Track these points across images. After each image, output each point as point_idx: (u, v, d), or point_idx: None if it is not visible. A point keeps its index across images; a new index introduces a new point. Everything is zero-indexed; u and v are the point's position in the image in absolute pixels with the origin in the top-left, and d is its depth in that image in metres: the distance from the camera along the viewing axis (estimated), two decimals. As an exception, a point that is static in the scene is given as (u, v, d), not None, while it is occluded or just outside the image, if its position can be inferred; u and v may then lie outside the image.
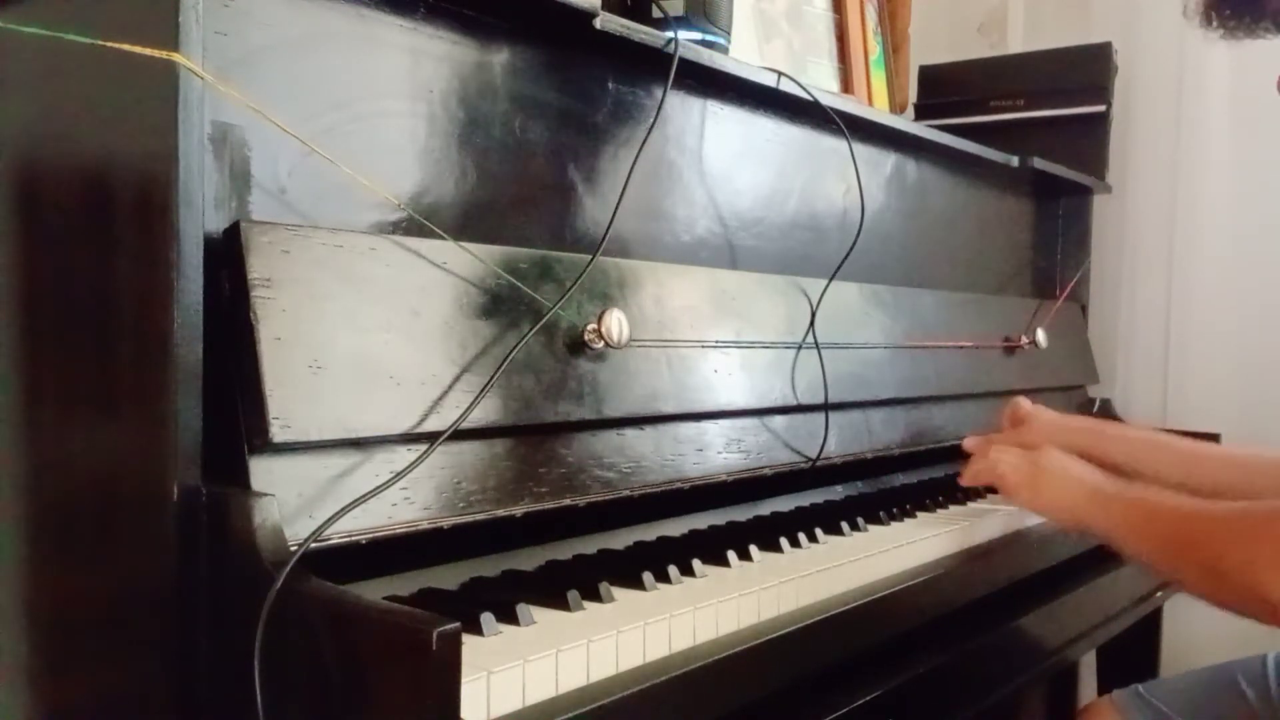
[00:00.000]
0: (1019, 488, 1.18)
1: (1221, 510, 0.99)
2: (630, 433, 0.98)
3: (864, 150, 1.41)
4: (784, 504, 1.24)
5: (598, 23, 0.97)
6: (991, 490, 1.37)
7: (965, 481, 1.26)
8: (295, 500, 0.73)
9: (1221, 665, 1.23)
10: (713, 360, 1.08)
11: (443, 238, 0.85)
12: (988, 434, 1.34)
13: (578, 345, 0.93)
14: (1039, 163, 1.70)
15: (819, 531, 1.08)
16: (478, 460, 0.85)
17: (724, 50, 1.20)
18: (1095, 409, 1.92)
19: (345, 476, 0.76)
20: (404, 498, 0.79)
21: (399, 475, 0.77)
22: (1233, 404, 1.92)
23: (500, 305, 0.88)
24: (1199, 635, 1.90)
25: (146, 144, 0.71)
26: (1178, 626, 1.90)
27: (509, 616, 0.76)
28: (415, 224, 0.88)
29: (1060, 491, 1.14)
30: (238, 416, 0.72)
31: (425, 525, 0.80)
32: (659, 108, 1.08)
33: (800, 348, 1.20)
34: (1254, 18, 1.08)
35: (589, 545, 1.00)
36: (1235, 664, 1.21)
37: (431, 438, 0.79)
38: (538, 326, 0.89)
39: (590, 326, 0.93)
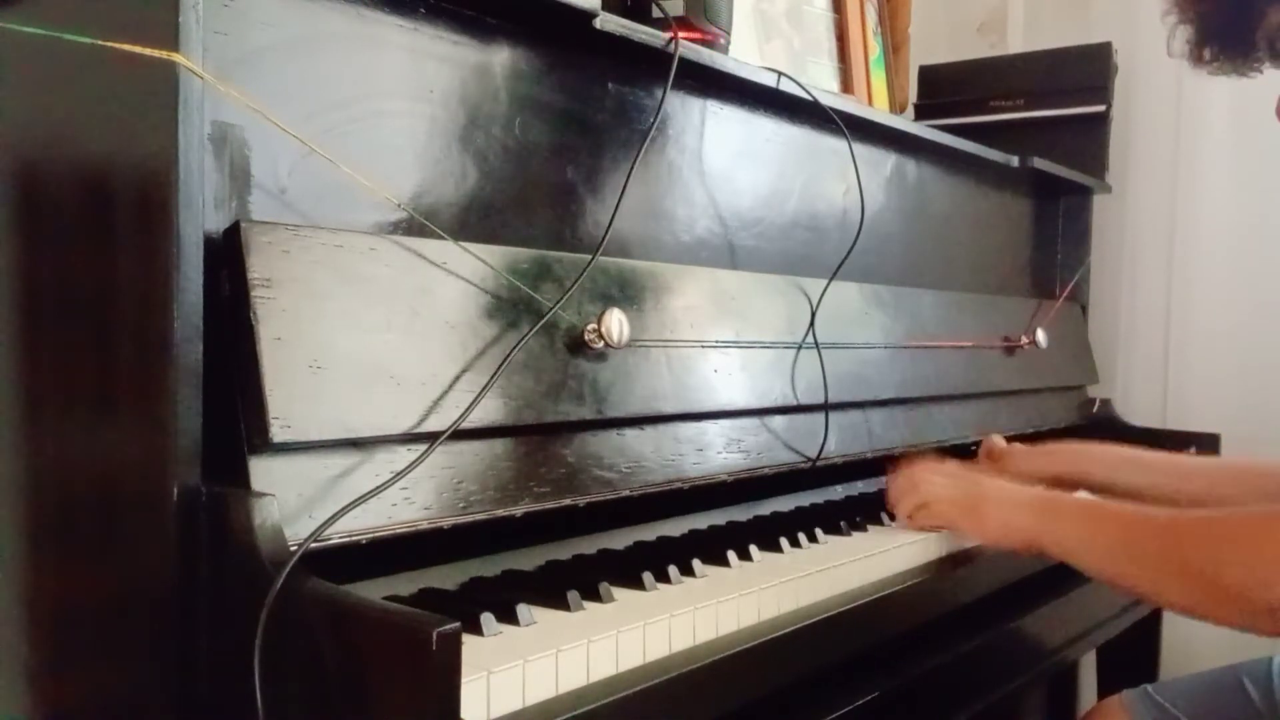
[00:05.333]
0: (959, 519, 1.10)
1: (1213, 516, 0.94)
2: (630, 433, 0.98)
3: (864, 150, 1.41)
4: (784, 504, 1.24)
5: (597, 23, 0.97)
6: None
7: (902, 523, 1.15)
8: (295, 500, 0.73)
9: (1227, 667, 1.23)
10: (713, 360, 1.08)
11: (443, 238, 0.85)
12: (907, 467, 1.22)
13: (578, 345, 0.93)
14: (1039, 163, 1.70)
15: (819, 531, 1.08)
16: (478, 460, 0.85)
17: (724, 50, 1.20)
18: (1095, 409, 1.92)
19: (345, 476, 0.76)
20: (404, 498, 0.79)
21: (399, 475, 0.77)
22: (1233, 404, 1.92)
23: (500, 305, 0.88)
24: (1199, 636, 1.90)
25: (146, 144, 0.71)
26: (1178, 627, 1.90)
27: (509, 616, 0.76)
28: (415, 224, 0.88)
29: (1003, 512, 1.06)
30: (238, 416, 0.72)
31: (425, 525, 0.80)
32: (659, 108, 1.08)
33: (800, 348, 1.20)
34: (1242, 53, 1.06)
35: (589, 545, 1.00)
36: (1241, 666, 1.21)
37: (431, 438, 0.79)
38: (538, 326, 0.89)
39: (590, 326, 0.93)
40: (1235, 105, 1.93)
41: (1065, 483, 1.25)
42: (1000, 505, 1.07)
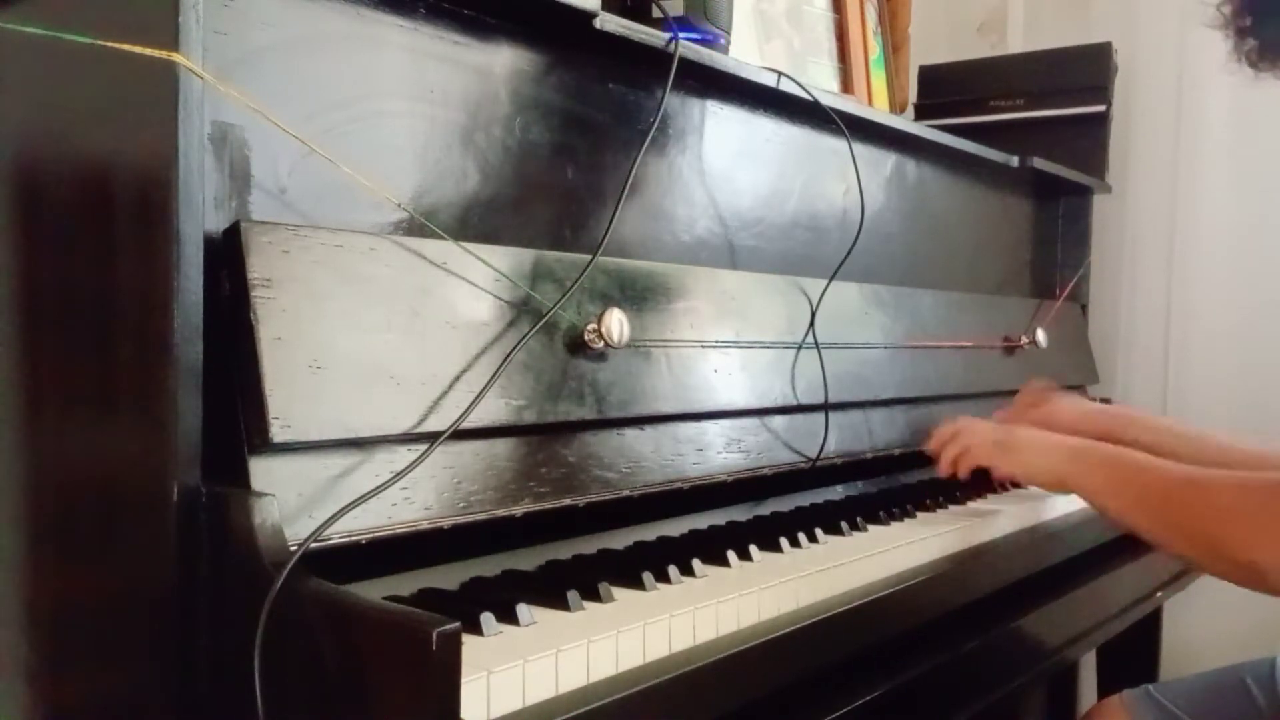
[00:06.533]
0: (992, 455, 1.19)
1: (1215, 480, 0.98)
2: (630, 433, 0.98)
3: (864, 150, 1.41)
4: (784, 504, 1.24)
5: (597, 23, 0.97)
6: (991, 490, 1.37)
7: (944, 469, 1.24)
8: (295, 500, 0.73)
9: (1230, 667, 1.23)
10: (713, 360, 1.08)
11: (443, 238, 0.85)
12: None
13: (578, 345, 0.93)
14: (1039, 163, 1.70)
15: (819, 531, 1.08)
16: (478, 460, 0.85)
17: (724, 50, 1.20)
18: (1095, 409, 1.92)
19: (345, 476, 0.76)
20: (404, 498, 0.79)
21: (399, 475, 0.77)
22: (1233, 404, 1.92)
23: (500, 305, 0.88)
24: (1199, 636, 1.90)
25: (146, 144, 0.71)
26: (1178, 627, 1.90)
27: (509, 616, 0.76)
28: (415, 224, 0.88)
29: (1038, 451, 1.14)
30: (238, 416, 0.72)
31: (425, 525, 0.80)
32: (659, 108, 1.08)
33: (800, 348, 1.20)
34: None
35: (589, 545, 1.00)
36: (1244, 665, 1.22)
37: (431, 438, 0.79)
38: (538, 326, 0.89)
39: (590, 326, 0.93)
40: (1235, 105, 1.93)
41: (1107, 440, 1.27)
42: (1034, 446, 1.15)
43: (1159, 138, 2.00)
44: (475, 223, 0.95)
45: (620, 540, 1.03)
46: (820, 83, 1.52)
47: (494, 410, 0.85)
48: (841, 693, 0.91)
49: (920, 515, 1.23)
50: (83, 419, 0.77)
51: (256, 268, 0.73)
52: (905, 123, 1.45)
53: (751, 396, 1.12)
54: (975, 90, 1.94)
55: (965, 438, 1.22)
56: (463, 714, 0.60)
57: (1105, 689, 1.83)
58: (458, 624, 0.59)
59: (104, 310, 0.75)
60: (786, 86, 1.21)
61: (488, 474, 0.85)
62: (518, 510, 0.86)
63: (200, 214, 0.71)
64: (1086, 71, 1.88)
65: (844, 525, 1.12)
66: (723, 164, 1.22)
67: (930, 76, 1.99)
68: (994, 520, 1.24)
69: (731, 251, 1.23)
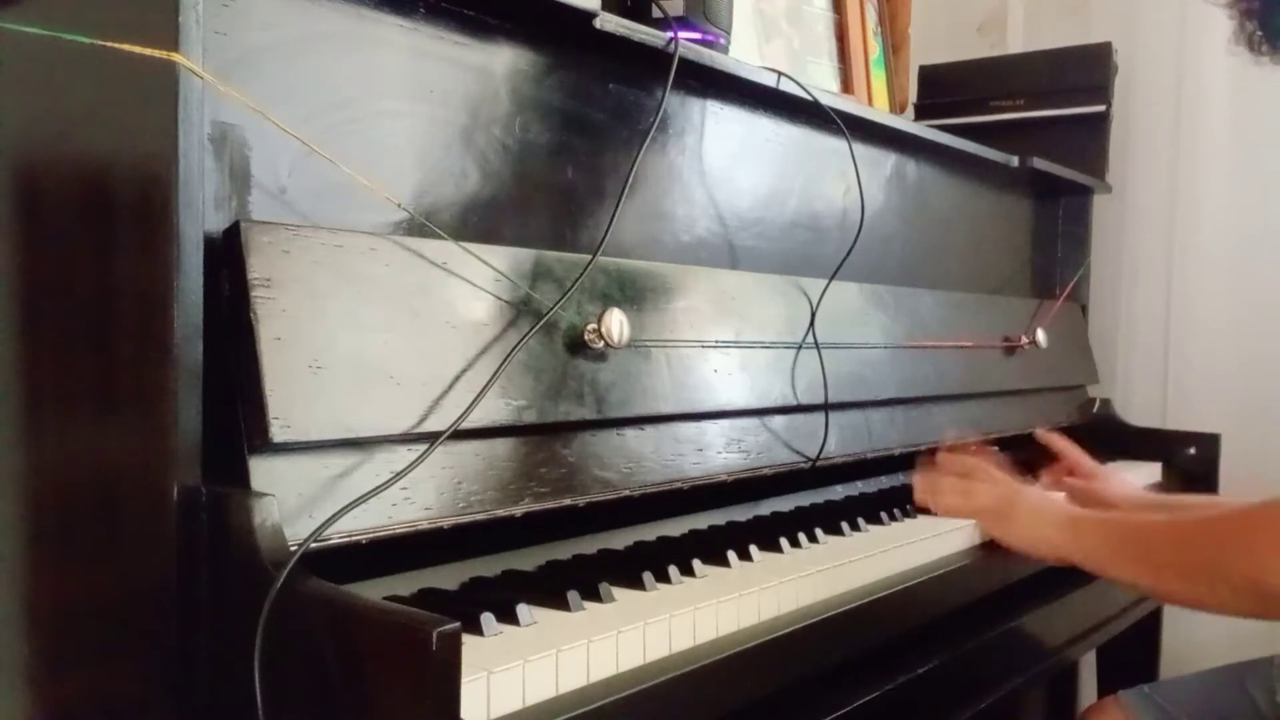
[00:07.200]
0: (989, 524, 1.18)
1: (1210, 515, 0.99)
2: (630, 433, 0.98)
3: (864, 150, 1.41)
4: (784, 504, 1.24)
5: (597, 23, 0.97)
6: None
7: (930, 507, 1.21)
8: (295, 500, 0.73)
9: (1228, 666, 1.23)
10: (713, 360, 1.08)
11: (443, 238, 0.85)
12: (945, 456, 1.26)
13: (578, 345, 0.93)
14: (1039, 163, 1.70)
15: (819, 531, 1.08)
16: (478, 460, 0.85)
17: (724, 50, 1.20)
18: (1095, 409, 1.92)
19: (345, 476, 0.76)
20: (404, 498, 0.79)
21: (399, 475, 0.77)
22: (1233, 404, 1.92)
23: (500, 305, 0.88)
24: (1199, 636, 1.90)
25: (146, 144, 0.71)
26: (1178, 627, 1.90)
27: (509, 616, 0.76)
28: (415, 224, 0.88)
29: (1033, 524, 1.13)
30: (238, 416, 0.72)
31: (425, 525, 0.80)
32: (659, 108, 1.08)
33: (800, 348, 1.20)
34: None
35: (589, 545, 1.00)
36: (1242, 665, 1.22)
37: (431, 438, 0.79)
38: (538, 326, 0.89)
39: (590, 326, 0.93)
40: (1235, 105, 1.93)
41: None
42: (1030, 519, 1.13)
43: (1159, 138, 2.00)
44: (475, 223, 0.95)
45: (620, 540, 1.03)
46: (820, 83, 1.52)
47: (494, 410, 0.85)
48: (842, 693, 0.91)
49: (920, 516, 1.23)
50: (83, 419, 0.77)
51: (256, 268, 0.73)
52: (905, 123, 1.45)
53: (751, 396, 1.12)
54: (975, 90, 1.94)
55: (972, 497, 1.19)
56: (463, 714, 0.60)
57: (1105, 689, 1.83)
58: (458, 624, 0.58)
59: (104, 310, 0.75)
60: (786, 86, 1.21)
61: (488, 474, 0.85)
62: (518, 510, 0.86)
63: (200, 214, 0.71)
64: (1086, 71, 1.88)
65: (844, 525, 1.12)
66: (723, 164, 1.22)
67: (930, 76, 1.99)
68: (994, 520, 1.24)
69: (731, 251, 1.23)
